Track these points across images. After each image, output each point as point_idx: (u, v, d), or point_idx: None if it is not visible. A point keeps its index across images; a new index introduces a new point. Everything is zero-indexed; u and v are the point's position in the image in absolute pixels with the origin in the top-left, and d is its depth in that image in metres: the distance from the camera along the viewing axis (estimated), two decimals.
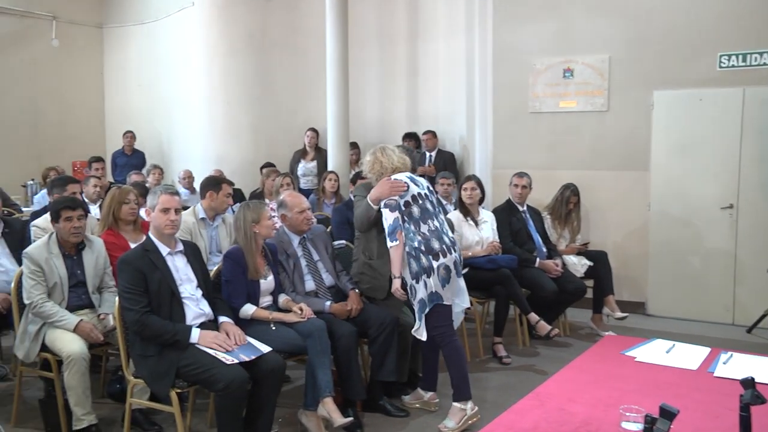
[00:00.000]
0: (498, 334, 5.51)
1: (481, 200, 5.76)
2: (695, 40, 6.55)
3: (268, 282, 4.17)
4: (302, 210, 4.42)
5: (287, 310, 4.13)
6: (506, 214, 5.92)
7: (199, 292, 3.80)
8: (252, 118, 9.46)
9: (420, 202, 4.14)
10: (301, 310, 4.06)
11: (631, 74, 6.84)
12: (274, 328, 4.02)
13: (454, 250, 4.15)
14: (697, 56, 6.54)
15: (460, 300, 4.26)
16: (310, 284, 4.41)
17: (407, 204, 4.10)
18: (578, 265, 6.06)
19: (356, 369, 4.16)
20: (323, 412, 3.87)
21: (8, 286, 4.32)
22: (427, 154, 8.44)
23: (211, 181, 5.35)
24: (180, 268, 3.77)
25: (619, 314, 6.00)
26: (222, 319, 3.82)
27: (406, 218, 4.07)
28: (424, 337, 4.04)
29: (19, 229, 4.92)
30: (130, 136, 10.11)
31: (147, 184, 7.47)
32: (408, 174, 4.25)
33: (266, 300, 4.18)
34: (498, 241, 5.65)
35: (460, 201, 5.72)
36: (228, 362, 3.46)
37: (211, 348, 3.55)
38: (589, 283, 6.09)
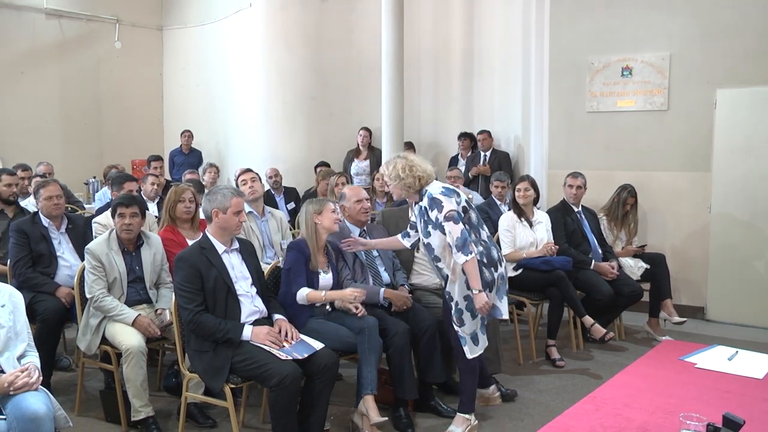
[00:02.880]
0: (552, 337, 5.44)
1: (536, 201, 5.69)
2: (762, 35, 6.33)
3: (327, 278, 4.19)
4: (359, 200, 4.48)
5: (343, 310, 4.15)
6: (561, 215, 5.85)
7: (254, 290, 3.85)
8: (307, 118, 9.53)
9: (472, 207, 3.98)
10: (357, 308, 4.07)
11: (693, 72, 6.65)
12: (329, 309, 4.07)
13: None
14: (764, 52, 6.31)
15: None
16: (368, 279, 4.43)
17: (465, 210, 3.85)
18: (635, 267, 5.93)
19: (409, 368, 4.14)
20: (362, 409, 3.88)
21: (72, 281, 4.46)
22: (482, 153, 8.40)
23: (237, 179, 5.48)
24: (235, 265, 3.83)
25: (677, 319, 5.86)
26: (276, 316, 3.86)
27: (466, 225, 3.79)
28: (473, 355, 3.88)
29: (81, 226, 5.06)
30: (187, 135, 10.31)
31: (203, 183, 7.61)
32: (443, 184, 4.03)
33: None
34: (553, 242, 5.58)
35: (513, 201, 5.67)
36: (282, 358, 3.50)
37: (264, 344, 3.59)
38: (646, 286, 5.94)
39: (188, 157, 10.20)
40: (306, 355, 3.58)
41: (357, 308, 4.06)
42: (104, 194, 7.51)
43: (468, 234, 3.72)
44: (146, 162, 8.88)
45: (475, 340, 3.83)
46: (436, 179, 4.00)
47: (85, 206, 7.79)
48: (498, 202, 6.33)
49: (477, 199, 6.95)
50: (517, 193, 5.62)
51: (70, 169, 9.79)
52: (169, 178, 9.32)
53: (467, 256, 3.65)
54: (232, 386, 3.56)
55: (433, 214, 3.79)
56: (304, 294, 4.03)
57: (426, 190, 3.87)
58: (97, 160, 10.40)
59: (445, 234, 3.73)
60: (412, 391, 4.15)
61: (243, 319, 3.72)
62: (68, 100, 10.61)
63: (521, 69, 8.14)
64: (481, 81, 8.99)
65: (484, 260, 3.79)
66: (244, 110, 9.92)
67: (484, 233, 3.92)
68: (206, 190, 5.17)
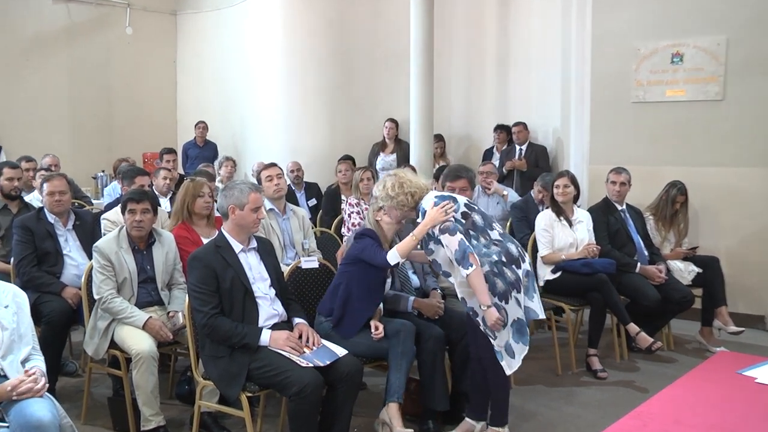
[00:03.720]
0: (593, 346, 5.39)
1: (576, 198, 5.64)
2: None
3: (387, 283, 4.24)
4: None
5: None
6: (603, 214, 5.81)
7: (273, 292, 3.86)
8: (330, 109, 9.54)
9: (476, 208, 3.90)
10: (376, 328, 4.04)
11: (752, 58, 6.51)
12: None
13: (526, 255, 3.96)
14: None
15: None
16: (395, 284, 4.44)
17: (465, 215, 3.80)
18: (685, 271, 5.86)
19: (441, 376, 4.12)
20: (385, 417, 3.88)
21: (79, 281, 4.50)
22: (518, 147, 8.36)
23: (257, 174, 5.45)
24: (253, 265, 3.84)
25: (734, 328, 5.76)
26: (297, 320, 3.87)
27: (471, 231, 3.76)
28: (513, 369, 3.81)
29: (90, 222, 5.11)
30: (202, 126, 10.38)
31: (218, 178, 7.65)
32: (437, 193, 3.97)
33: None
34: (594, 243, 5.53)
35: (552, 199, 5.63)
36: (303, 365, 3.49)
37: (283, 350, 3.59)
38: (698, 292, 5.86)
39: (203, 150, 10.27)
40: (328, 362, 3.57)
41: (377, 328, 4.02)
42: (114, 189, 7.58)
43: (468, 243, 3.66)
44: (158, 155, 8.96)
45: (510, 352, 3.75)
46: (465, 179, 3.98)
47: (94, 202, 7.88)
48: (540, 208, 6.24)
49: (512, 196, 6.90)
50: (555, 190, 5.58)
51: (78, 163, 9.91)
52: (182, 172, 9.39)
53: (468, 269, 3.60)
54: (249, 395, 3.56)
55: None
56: (396, 251, 3.90)
57: (420, 205, 3.87)
58: (107, 153, 10.49)
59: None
60: (443, 401, 4.12)
61: (261, 322, 3.72)
62: (76, 89, 10.73)
63: (560, 56, 8.08)
64: (517, 69, 8.95)
65: (503, 259, 3.73)
66: (263, 100, 9.95)
67: (496, 231, 3.86)
68: (221, 185, 5.20)
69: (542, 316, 3.92)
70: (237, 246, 3.81)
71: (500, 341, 3.73)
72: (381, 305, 4.21)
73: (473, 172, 4.97)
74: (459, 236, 3.65)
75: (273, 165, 5.43)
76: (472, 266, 3.59)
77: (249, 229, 3.83)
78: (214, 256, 3.72)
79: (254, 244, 3.91)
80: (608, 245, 5.67)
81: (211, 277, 3.65)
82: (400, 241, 4.43)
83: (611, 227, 5.77)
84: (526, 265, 3.85)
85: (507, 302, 3.71)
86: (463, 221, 3.75)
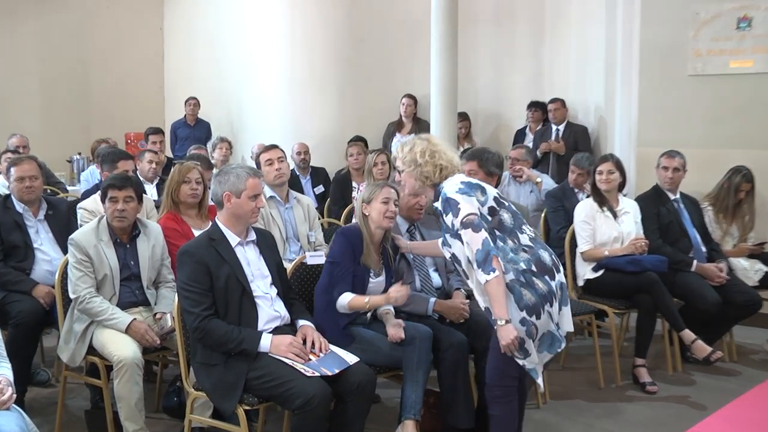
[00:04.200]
0: (641, 355, 5.38)
1: (621, 186, 5.64)
2: None
3: (377, 282, 4.21)
4: (417, 193, 4.43)
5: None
6: (653, 204, 5.80)
7: (274, 291, 3.87)
8: (338, 83, 9.54)
9: (506, 204, 3.77)
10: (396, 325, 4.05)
11: None
12: (369, 317, 4.10)
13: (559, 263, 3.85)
14: None
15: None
16: (415, 283, 4.43)
17: (492, 211, 3.67)
18: (750, 270, 5.84)
19: (464, 389, 4.13)
20: None
21: (52, 278, 4.52)
22: (554, 127, 8.35)
23: (256, 157, 5.50)
24: (252, 261, 3.85)
25: None
26: (301, 322, 3.88)
27: (497, 231, 3.63)
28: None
29: (64, 211, 5.13)
30: (193, 103, 10.39)
31: (212, 161, 7.66)
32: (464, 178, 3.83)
33: None
34: (642, 236, 5.52)
35: (593, 187, 5.62)
36: (308, 374, 3.49)
37: (286, 358, 3.59)
38: (765, 294, 5.82)
39: (194, 130, 10.29)
40: (337, 371, 3.57)
41: (398, 325, 4.03)
42: (92, 174, 7.61)
43: (493, 244, 3.52)
44: (143, 136, 8.97)
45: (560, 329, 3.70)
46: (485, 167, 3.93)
47: (69, 188, 7.91)
48: (576, 191, 6.31)
49: (547, 183, 6.88)
50: (598, 177, 5.57)
51: (51, 144, 9.93)
52: (170, 155, 9.41)
53: (488, 275, 3.45)
54: (247, 408, 3.56)
55: (448, 219, 3.63)
56: (345, 301, 4.04)
57: (442, 187, 3.75)
58: (84, 133, 10.51)
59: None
60: (467, 417, 4.12)
61: (261, 326, 3.73)
62: (48, 60, 10.75)
63: (604, 23, 8.05)
64: (554, 39, 8.95)
65: (533, 268, 3.58)
66: (263, 74, 9.95)
67: (526, 235, 3.72)
68: (216, 170, 5.19)
69: (570, 328, 3.82)
70: (233, 239, 3.81)
71: (535, 358, 3.60)
72: (391, 307, 4.20)
73: (496, 156, 4.87)
74: (484, 234, 3.52)
75: (274, 147, 5.43)
76: (494, 272, 3.45)
77: (247, 220, 3.83)
78: (207, 250, 3.72)
79: (253, 236, 3.91)
80: (659, 240, 5.65)
81: (203, 273, 3.64)
82: (423, 234, 4.45)
83: (662, 219, 5.75)
84: (561, 276, 3.74)
85: (539, 318, 3.55)
86: (489, 218, 3.62)
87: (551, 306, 3.59)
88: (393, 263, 4.32)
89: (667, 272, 5.36)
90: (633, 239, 5.45)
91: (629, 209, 5.62)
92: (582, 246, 5.46)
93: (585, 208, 5.55)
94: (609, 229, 5.51)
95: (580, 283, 5.52)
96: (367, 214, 4.17)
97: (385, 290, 4.13)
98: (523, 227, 3.76)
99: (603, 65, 8.11)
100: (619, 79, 7.75)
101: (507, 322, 3.47)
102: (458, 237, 3.60)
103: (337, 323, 4.06)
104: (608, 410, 4.92)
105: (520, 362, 3.58)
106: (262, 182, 4.10)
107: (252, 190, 3.78)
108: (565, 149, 8.06)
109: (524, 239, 3.69)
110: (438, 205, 3.74)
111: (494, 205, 3.68)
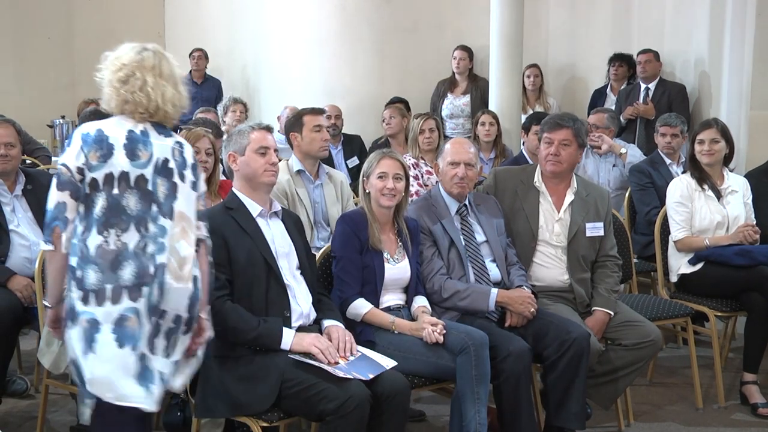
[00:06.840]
0: (751, 370, 5.32)
1: (728, 159, 5.60)
2: None
3: (398, 270, 4.23)
4: (454, 161, 4.43)
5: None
6: None
7: (301, 280, 3.89)
8: (376, 33, 9.53)
9: (150, 191, 3.27)
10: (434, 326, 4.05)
11: None
12: (396, 332, 4.09)
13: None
14: None
15: None
16: (468, 275, 4.45)
17: (95, 184, 3.34)
18: None
19: (527, 406, 4.15)
20: None
21: (31, 267, 4.58)
22: (643, 86, 8.28)
23: (290, 119, 5.48)
24: (276, 237, 3.87)
25: None
26: (327, 322, 3.89)
27: (101, 210, 3.25)
28: None
29: (46, 186, 5.07)
30: (198, 56, 10.45)
31: (224, 127, 7.69)
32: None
33: (394, 298, 4.25)
34: (754, 222, 5.48)
35: (692, 159, 5.57)
36: (340, 375, 3.50)
37: (308, 356, 3.60)
38: None
39: (201, 89, 10.31)
40: (371, 376, 3.58)
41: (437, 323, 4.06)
42: None
43: (73, 214, 3.25)
44: None
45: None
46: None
47: (52, 158, 7.99)
48: (667, 160, 6.25)
49: (634, 154, 6.80)
50: (697, 147, 5.53)
51: (29, 105, 10.09)
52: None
53: (47, 245, 3.24)
54: (264, 425, 3.56)
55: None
56: (359, 311, 4.08)
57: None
58: (68, 92, 10.70)
59: None
60: None
61: (294, 319, 3.76)
62: (23, 4, 10.85)
63: None
64: None
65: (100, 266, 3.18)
66: (284, 22, 9.97)
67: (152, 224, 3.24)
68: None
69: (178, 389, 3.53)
70: (254, 207, 3.84)
71: None
72: (427, 303, 4.26)
73: (581, 123, 4.89)
74: (66, 197, 3.29)
75: (322, 111, 5.45)
76: (49, 243, 3.24)
77: (260, 181, 3.85)
78: (224, 218, 3.75)
79: (278, 207, 3.96)
80: None
81: (218, 246, 3.61)
82: (478, 215, 4.45)
83: None
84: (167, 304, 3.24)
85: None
86: (89, 190, 3.31)
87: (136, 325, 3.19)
88: (410, 246, 4.32)
89: None
90: (742, 225, 5.41)
91: (737, 187, 5.57)
92: (676, 233, 5.41)
93: (680, 186, 5.50)
94: (711, 212, 5.46)
95: (674, 278, 5.49)
96: (368, 191, 4.21)
97: (412, 281, 4.25)
98: (150, 225, 3.25)
99: (707, 12, 8.03)
100: (728, 25, 7.69)
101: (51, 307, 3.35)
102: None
103: (353, 326, 4.07)
104: None
105: None
106: (272, 136, 3.99)
107: (257, 143, 3.83)
108: (656, 113, 7.91)
109: (138, 236, 3.23)
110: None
111: (117, 180, 3.31)
